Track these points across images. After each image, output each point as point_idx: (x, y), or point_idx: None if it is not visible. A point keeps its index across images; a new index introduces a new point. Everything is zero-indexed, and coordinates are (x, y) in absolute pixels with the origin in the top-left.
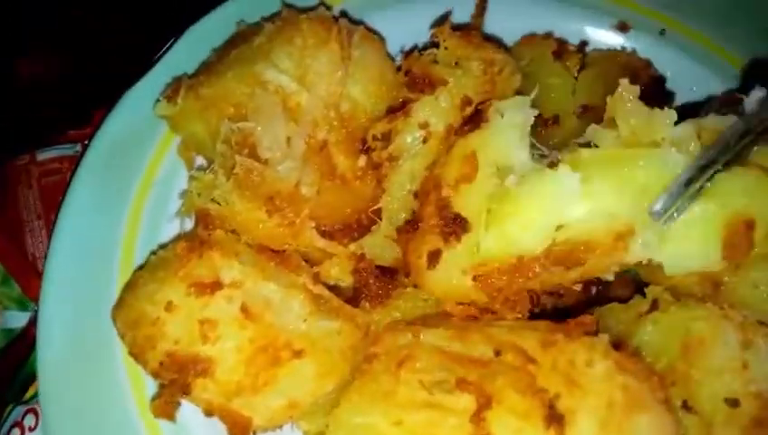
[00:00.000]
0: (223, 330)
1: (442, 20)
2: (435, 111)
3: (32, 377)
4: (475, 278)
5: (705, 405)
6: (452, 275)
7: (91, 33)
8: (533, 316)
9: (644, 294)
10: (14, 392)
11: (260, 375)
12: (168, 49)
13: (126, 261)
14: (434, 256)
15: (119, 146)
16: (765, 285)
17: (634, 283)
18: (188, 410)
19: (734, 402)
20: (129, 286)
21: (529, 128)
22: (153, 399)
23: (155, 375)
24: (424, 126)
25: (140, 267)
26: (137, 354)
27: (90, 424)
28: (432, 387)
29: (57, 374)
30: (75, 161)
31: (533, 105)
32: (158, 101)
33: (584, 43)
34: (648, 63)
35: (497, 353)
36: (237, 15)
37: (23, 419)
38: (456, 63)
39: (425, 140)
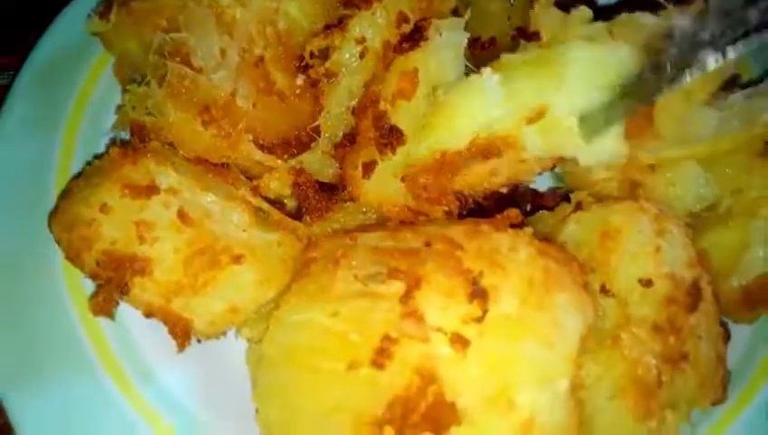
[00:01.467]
0: (160, 232)
1: None
2: (371, 27)
3: None
4: (403, 179)
5: (621, 287)
6: (386, 182)
7: None
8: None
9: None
10: None
11: (199, 276)
12: None
13: (61, 181)
14: (369, 167)
15: (53, 66)
16: (681, 184)
17: (564, 198)
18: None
19: (647, 283)
20: (65, 194)
21: (463, 48)
22: (91, 297)
23: (92, 276)
24: (360, 41)
25: (76, 176)
26: (74, 257)
27: (29, 333)
28: (366, 279)
29: None
30: (4, 90)
31: (473, 28)
32: (89, 17)
33: None
34: None
35: (427, 244)
36: None
37: None
38: None
39: (362, 56)
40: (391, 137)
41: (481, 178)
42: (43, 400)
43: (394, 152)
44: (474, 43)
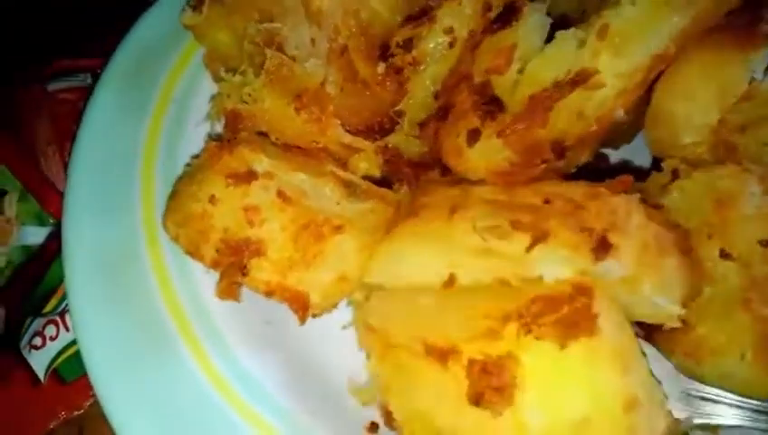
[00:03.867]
0: (266, 214)
1: None
2: (459, 17)
3: (50, 291)
4: (499, 135)
5: (741, 250)
6: (489, 147)
7: None
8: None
9: (660, 170)
10: (32, 306)
11: (308, 250)
12: None
13: (147, 169)
14: (474, 134)
15: (140, 58)
16: None
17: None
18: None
19: (766, 243)
20: (173, 195)
21: (547, 29)
22: (217, 283)
23: (214, 265)
24: (449, 31)
25: (180, 178)
26: (193, 251)
27: (123, 327)
28: (485, 232)
29: (85, 284)
30: (86, 92)
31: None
32: (182, 10)
33: None
34: None
35: (546, 201)
36: None
37: (43, 329)
38: None
39: (450, 45)
40: (493, 105)
41: (570, 122)
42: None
43: (495, 120)
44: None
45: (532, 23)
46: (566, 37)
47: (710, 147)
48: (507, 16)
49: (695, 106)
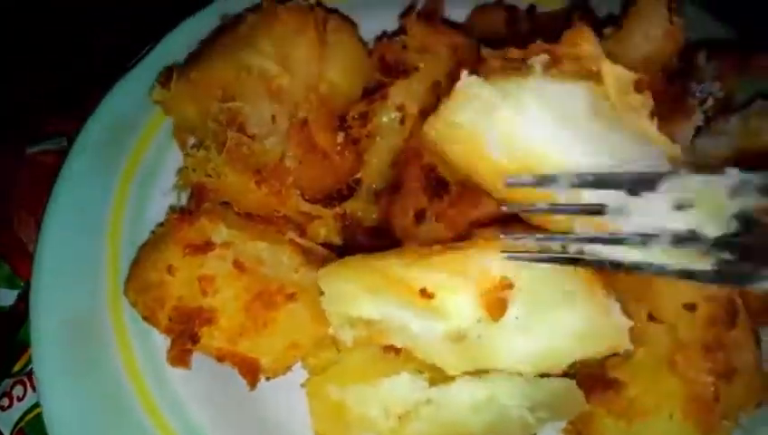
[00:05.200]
0: (220, 283)
1: (409, 10)
2: (409, 95)
3: (19, 351)
4: (437, 219)
5: (668, 314)
6: (436, 229)
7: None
8: None
9: None
10: (2, 366)
11: (259, 318)
12: (155, 44)
13: (113, 236)
14: (420, 215)
15: (111, 127)
16: None
17: None
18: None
19: (691, 307)
20: (135, 262)
21: None
22: (168, 350)
23: (167, 331)
24: (400, 108)
25: (143, 245)
26: (149, 317)
27: (85, 389)
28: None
29: (49, 349)
30: (61, 154)
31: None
32: (152, 87)
33: (533, 7)
34: (591, 15)
35: None
36: (221, 11)
37: (11, 389)
38: (424, 49)
39: (402, 121)
40: (439, 186)
41: None
42: None
43: (442, 200)
44: None
45: None
46: None
47: None
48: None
49: None
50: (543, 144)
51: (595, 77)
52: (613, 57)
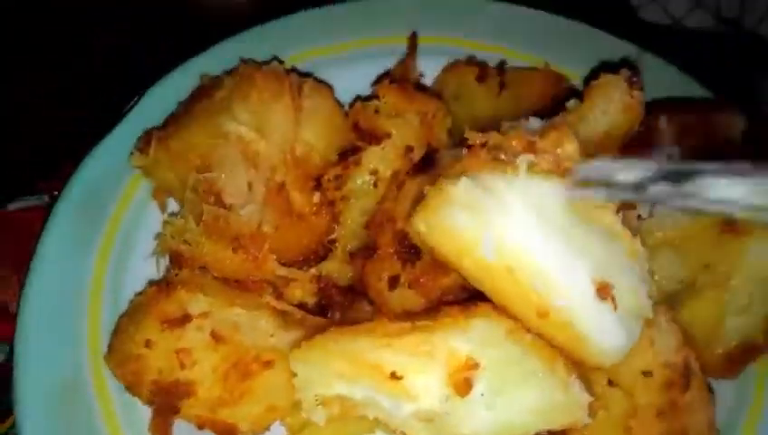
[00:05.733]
0: (197, 355)
1: (382, 77)
2: (382, 160)
3: (5, 412)
4: (410, 286)
5: (625, 380)
6: (408, 296)
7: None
8: None
9: None
10: None
11: (235, 389)
12: (136, 102)
13: (94, 303)
14: (394, 281)
15: (88, 194)
16: (658, 271)
17: None
18: None
19: (648, 373)
20: (115, 332)
21: None
22: (150, 422)
23: (149, 403)
24: (373, 173)
25: (123, 314)
26: (130, 388)
27: None
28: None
29: (35, 409)
30: (44, 211)
31: (463, 124)
32: (131, 153)
33: (503, 63)
34: (560, 78)
35: None
36: (200, 70)
37: None
38: (396, 114)
39: (375, 185)
40: (411, 252)
41: None
42: None
43: (414, 266)
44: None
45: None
46: None
47: None
48: (425, 164)
49: None
50: (529, 245)
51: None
52: (575, 134)
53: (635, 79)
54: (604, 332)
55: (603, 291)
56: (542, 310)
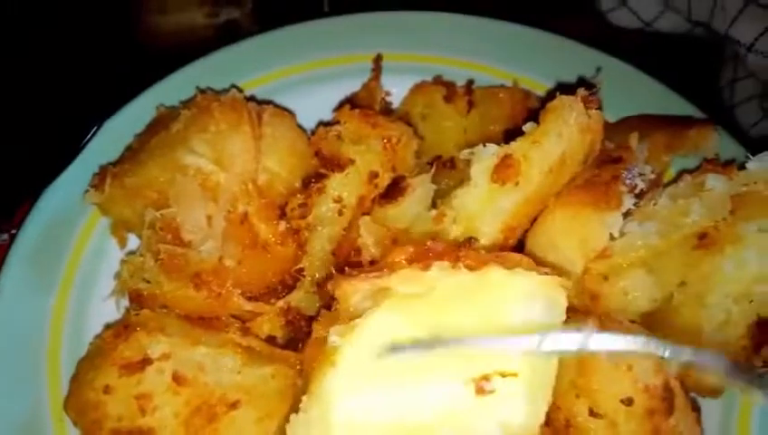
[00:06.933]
0: (158, 400)
1: (345, 102)
2: (346, 187)
3: None
4: None
5: (607, 408)
6: None
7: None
8: None
9: None
10: None
11: (200, 433)
12: (92, 137)
13: (53, 347)
14: None
15: (46, 233)
16: (632, 292)
17: None
18: None
19: (629, 401)
20: (73, 378)
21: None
22: None
23: None
24: (338, 200)
25: (82, 359)
26: None
27: None
28: None
29: None
30: (2, 251)
31: (431, 145)
32: (86, 190)
33: (471, 82)
34: (527, 95)
35: None
36: (155, 101)
37: None
38: (359, 140)
39: (340, 213)
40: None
41: None
42: None
43: None
44: (436, 165)
45: (415, 198)
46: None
47: (576, 293)
48: (393, 192)
49: (561, 257)
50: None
51: None
52: (530, 159)
53: (592, 98)
54: (500, 422)
55: (480, 388)
56: None
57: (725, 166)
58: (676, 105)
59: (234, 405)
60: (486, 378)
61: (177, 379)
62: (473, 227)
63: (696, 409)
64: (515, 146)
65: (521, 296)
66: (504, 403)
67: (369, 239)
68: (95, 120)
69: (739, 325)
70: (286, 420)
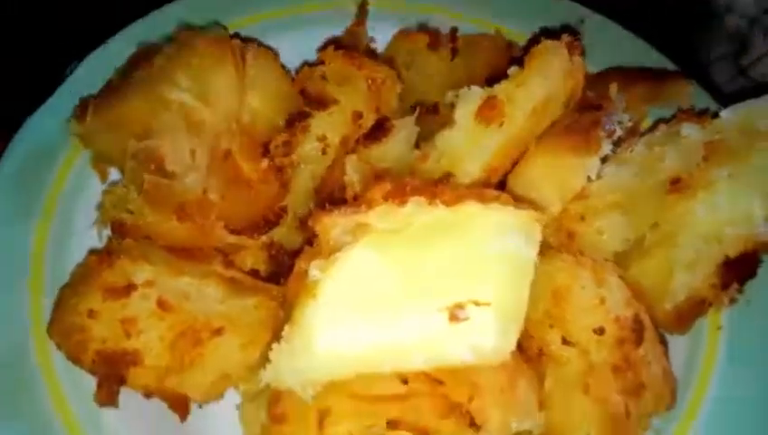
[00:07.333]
0: (143, 324)
1: (329, 43)
2: (330, 126)
3: None
4: None
5: (580, 338)
6: None
7: None
8: None
9: None
10: None
11: (185, 357)
12: (71, 70)
13: (35, 275)
14: None
15: (25, 164)
16: (607, 232)
17: None
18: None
19: (600, 331)
20: (57, 303)
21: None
22: (95, 392)
23: (92, 372)
24: (322, 139)
25: (65, 286)
26: (74, 360)
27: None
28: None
29: None
30: None
31: (415, 89)
32: (68, 120)
33: (455, 30)
34: (510, 44)
35: (405, 381)
36: (137, 37)
37: None
38: (344, 80)
39: (324, 151)
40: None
41: None
42: None
43: None
44: (419, 110)
45: (399, 139)
46: (411, 158)
47: (553, 232)
48: (377, 132)
49: (540, 197)
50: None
51: None
52: (514, 101)
53: (575, 44)
54: (472, 346)
55: (453, 316)
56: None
57: (700, 116)
58: (654, 60)
59: (218, 332)
60: (460, 306)
61: (162, 304)
62: (456, 167)
63: (663, 342)
64: (500, 88)
65: (496, 229)
66: (476, 330)
67: (354, 177)
68: (75, 56)
69: (708, 265)
70: (269, 348)
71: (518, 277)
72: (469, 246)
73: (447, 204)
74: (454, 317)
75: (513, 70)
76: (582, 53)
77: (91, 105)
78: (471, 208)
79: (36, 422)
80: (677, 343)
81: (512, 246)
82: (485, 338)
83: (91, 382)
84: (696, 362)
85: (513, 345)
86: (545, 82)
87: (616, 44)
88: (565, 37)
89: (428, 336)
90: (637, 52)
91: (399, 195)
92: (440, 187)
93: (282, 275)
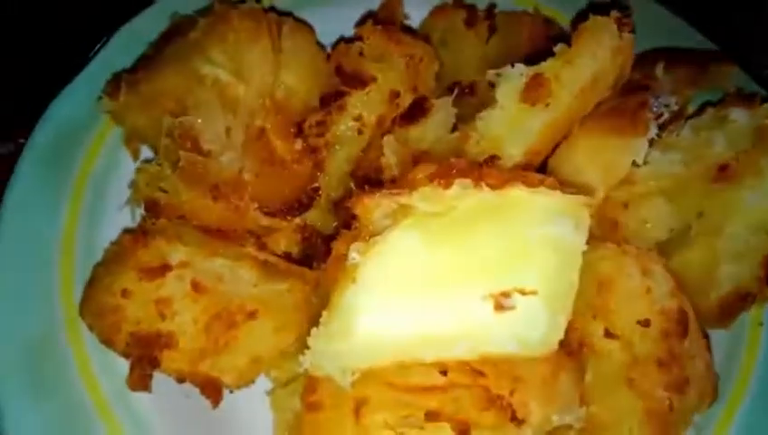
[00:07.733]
0: (177, 306)
1: (366, 18)
2: (367, 106)
3: None
4: None
5: (624, 330)
6: None
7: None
8: None
9: None
10: None
11: (219, 339)
12: (103, 45)
13: (66, 254)
14: None
15: (58, 137)
16: (651, 220)
17: None
18: None
19: (645, 322)
20: (89, 283)
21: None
22: (128, 375)
23: (125, 355)
24: (358, 118)
25: (98, 264)
26: (106, 341)
27: (47, 413)
28: (401, 425)
29: (10, 369)
30: (8, 159)
31: (451, 71)
32: (100, 97)
33: (492, 7)
34: (549, 22)
35: (443, 372)
36: (170, 10)
37: None
38: (381, 57)
39: (360, 131)
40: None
41: None
42: None
43: None
44: (455, 87)
45: (438, 120)
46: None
47: (596, 221)
48: (415, 113)
49: (584, 181)
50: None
51: None
52: (561, 79)
53: (625, 20)
54: (518, 337)
55: (499, 304)
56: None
57: (748, 100)
58: (697, 41)
59: (252, 315)
60: (506, 295)
61: (197, 286)
62: (498, 149)
63: (705, 335)
64: (546, 66)
65: (544, 215)
66: (523, 320)
67: (391, 159)
68: (110, 27)
69: (755, 256)
70: (307, 333)
71: (566, 266)
72: (515, 231)
73: (493, 187)
74: (499, 306)
75: (559, 47)
76: (632, 30)
77: (123, 81)
78: (517, 192)
79: (67, 404)
80: (717, 337)
81: (559, 232)
82: (533, 330)
83: (122, 364)
84: (737, 358)
85: (560, 336)
86: (594, 61)
87: (658, 25)
88: (614, 13)
89: (472, 325)
90: (679, 33)
91: (445, 176)
92: (486, 169)
93: (314, 259)
